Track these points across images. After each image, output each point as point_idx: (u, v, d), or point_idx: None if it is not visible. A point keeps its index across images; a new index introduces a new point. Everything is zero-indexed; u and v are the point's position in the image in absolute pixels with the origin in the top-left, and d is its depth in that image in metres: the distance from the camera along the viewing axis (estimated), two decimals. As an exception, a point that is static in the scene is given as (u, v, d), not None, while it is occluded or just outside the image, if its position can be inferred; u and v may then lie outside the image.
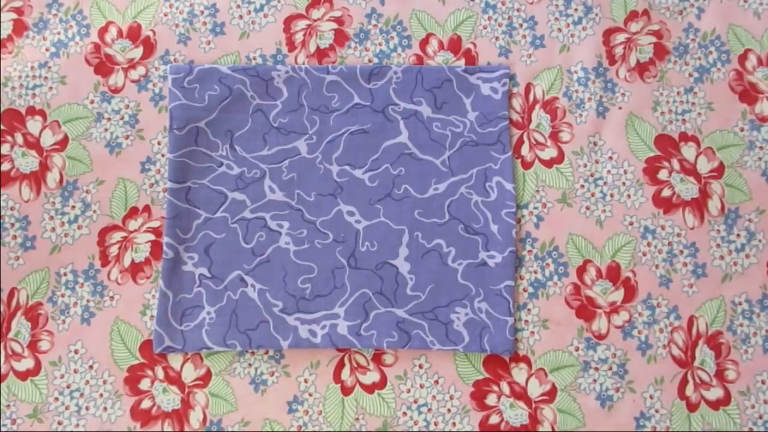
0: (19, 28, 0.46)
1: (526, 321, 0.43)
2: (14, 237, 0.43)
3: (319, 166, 0.44)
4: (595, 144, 0.46)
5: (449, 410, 0.42)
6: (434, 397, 0.42)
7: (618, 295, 0.43)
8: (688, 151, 0.46)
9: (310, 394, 0.42)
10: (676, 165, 0.45)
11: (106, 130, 0.45)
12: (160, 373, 0.42)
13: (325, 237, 0.43)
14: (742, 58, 0.47)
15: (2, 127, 0.44)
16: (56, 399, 0.42)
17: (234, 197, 0.44)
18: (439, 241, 0.43)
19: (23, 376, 0.42)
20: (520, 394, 0.42)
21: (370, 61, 0.47)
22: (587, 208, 0.45)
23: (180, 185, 0.44)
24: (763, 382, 0.43)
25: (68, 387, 0.42)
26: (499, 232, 0.43)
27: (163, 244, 0.43)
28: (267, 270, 0.43)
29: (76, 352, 0.42)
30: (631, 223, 0.44)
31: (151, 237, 0.44)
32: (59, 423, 0.41)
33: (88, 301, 0.43)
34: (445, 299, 0.43)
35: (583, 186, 0.45)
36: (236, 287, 0.43)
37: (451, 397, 0.42)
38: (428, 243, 0.43)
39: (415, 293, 0.43)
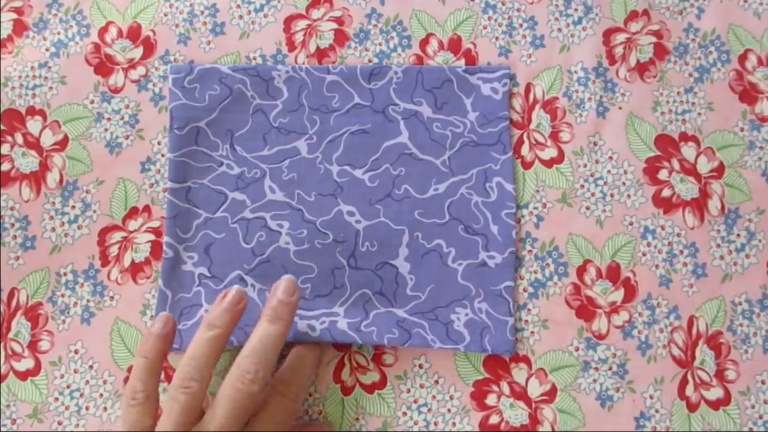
0: (19, 28, 0.46)
1: (526, 321, 0.43)
2: (14, 237, 0.43)
3: (319, 166, 0.44)
4: (595, 144, 0.46)
5: (449, 410, 0.42)
6: (434, 397, 0.42)
7: (618, 295, 0.43)
8: (688, 151, 0.46)
9: (310, 394, 0.42)
10: (676, 165, 0.45)
11: (106, 130, 0.45)
12: (160, 373, 0.42)
13: (325, 237, 0.43)
14: (742, 58, 0.47)
15: (2, 127, 0.44)
16: (56, 399, 0.42)
17: (234, 197, 0.44)
18: (439, 242, 0.43)
19: (23, 376, 0.42)
20: (520, 394, 0.42)
21: (370, 61, 0.47)
22: (587, 208, 0.45)
23: (180, 185, 0.44)
24: (763, 382, 0.43)
25: (68, 387, 0.42)
26: (499, 232, 0.43)
27: (163, 243, 0.43)
28: (267, 270, 0.43)
29: (76, 352, 0.42)
30: (631, 223, 0.44)
31: (151, 237, 0.44)
32: (59, 423, 0.41)
33: (88, 301, 0.43)
34: (445, 299, 0.43)
35: (583, 186, 0.45)
36: (236, 287, 0.43)
37: (451, 397, 0.42)
38: (428, 243, 0.43)
39: (415, 293, 0.43)
